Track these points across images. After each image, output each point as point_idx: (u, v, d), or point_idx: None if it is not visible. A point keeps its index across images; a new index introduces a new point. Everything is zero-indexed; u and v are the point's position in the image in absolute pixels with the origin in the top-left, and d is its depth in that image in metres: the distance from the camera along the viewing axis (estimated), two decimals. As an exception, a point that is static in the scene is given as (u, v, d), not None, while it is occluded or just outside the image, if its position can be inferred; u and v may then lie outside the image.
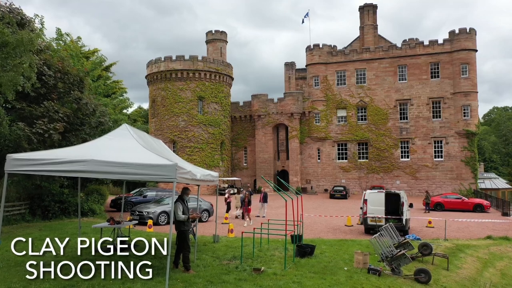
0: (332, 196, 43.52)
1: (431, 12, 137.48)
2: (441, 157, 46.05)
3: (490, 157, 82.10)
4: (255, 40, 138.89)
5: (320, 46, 49.86)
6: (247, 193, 20.66)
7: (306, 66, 51.38)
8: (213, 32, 55.24)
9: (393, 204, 18.60)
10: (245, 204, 21.11)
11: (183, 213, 9.78)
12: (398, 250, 10.30)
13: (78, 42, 24.19)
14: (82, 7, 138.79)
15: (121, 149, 8.50)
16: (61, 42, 23.83)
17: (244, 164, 54.25)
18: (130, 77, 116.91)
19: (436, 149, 46.31)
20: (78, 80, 17.93)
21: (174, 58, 48.33)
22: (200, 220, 22.27)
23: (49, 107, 15.46)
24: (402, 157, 47.52)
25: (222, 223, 21.93)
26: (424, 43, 46.85)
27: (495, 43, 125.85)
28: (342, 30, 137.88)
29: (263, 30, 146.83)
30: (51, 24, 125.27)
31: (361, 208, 18.73)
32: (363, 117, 48.93)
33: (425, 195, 32.49)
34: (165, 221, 20.51)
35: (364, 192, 19.23)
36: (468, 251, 14.64)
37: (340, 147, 49.78)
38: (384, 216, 17.85)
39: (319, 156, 50.55)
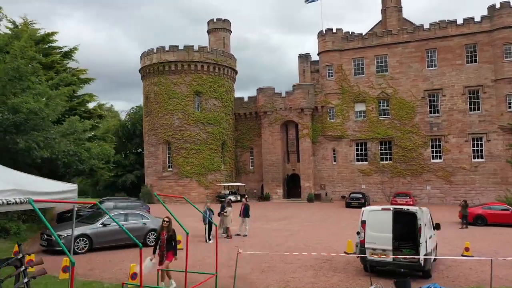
0: (348, 205, 36.76)
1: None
2: (481, 158, 38.32)
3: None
4: (284, 46, 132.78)
5: (334, 30, 43.19)
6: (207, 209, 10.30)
7: (318, 54, 44.78)
8: (215, 20, 49.55)
9: (407, 227, 12.11)
10: (162, 244, 9.64)
11: None
12: None
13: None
14: (119, 19, 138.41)
15: None
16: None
17: (251, 168, 48.13)
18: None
19: (475, 148, 38.62)
20: None
21: (167, 48, 43.00)
22: (145, 244, 16.43)
23: None
24: (433, 158, 40.06)
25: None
26: (457, 22, 39.32)
27: None
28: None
29: (292, 36, 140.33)
30: (90, 35, 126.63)
31: (358, 233, 12.28)
32: (386, 112, 41.82)
33: (461, 205, 25.27)
34: (86, 248, 14.79)
35: (362, 208, 12.72)
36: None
37: (359, 147, 42.84)
38: (391, 248, 11.37)
39: (334, 157, 43.81)
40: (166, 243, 9.44)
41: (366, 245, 11.77)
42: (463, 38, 38.86)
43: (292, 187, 45.70)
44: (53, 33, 27.48)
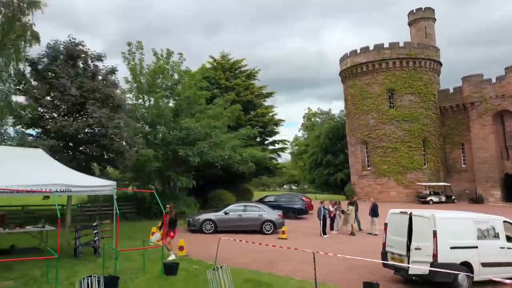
0: None
1: None
2: None
3: None
4: None
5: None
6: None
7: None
8: (415, 11, 46.93)
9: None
10: (164, 224, 12.59)
11: None
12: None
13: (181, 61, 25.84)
14: (381, 21, 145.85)
15: None
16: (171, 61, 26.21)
17: (463, 166, 43.08)
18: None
19: None
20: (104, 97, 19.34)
21: (358, 51, 44.24)
22: (262, 232, 19.67)
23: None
24: None
25: (278, 238, 18.66)
26: None
27: None
28: None
29: None
30: (353, 41, 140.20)
31: (386, 236, 11.95)
32: None
33: None
34: (211, 230, 19.27)
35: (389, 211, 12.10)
36: None
37: None
38: (405, 253, 10.82)
39: None
40: (168, 223, 12.53)
41: (387, 249, 11.52)
42: None
43: (516, 188, 38.44)
44: (240, 60, 34.29)
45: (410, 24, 48.12)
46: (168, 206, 13.15)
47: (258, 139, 32.82)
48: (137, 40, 24.96)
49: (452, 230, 10.54)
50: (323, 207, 20.36)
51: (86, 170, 20.12)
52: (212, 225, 19.41)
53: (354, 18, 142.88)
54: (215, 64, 34.60)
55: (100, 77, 21.13)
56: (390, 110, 42.66)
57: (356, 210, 21.67)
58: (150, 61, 26.11)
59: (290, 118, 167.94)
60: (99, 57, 21.58)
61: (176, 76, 25.67)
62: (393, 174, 42.31)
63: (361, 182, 44.93)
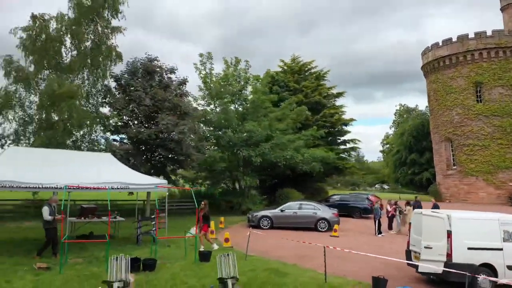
0: None
1: None
2: None
3: None
4: None
5: None
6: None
7: None
8: (508, -5, 42.91)
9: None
10: (200, 220, 13.55)
11: (50, 215, 11.66)
12: None
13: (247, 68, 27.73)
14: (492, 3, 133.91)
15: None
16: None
17: None
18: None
19: None
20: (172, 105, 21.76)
21: (440, 43, 41.86)
22: (316, 229, 20.46)
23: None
24: None
25: (330, 236, 19.32)
26: None
27: None
28: None
29: None
30: (461, 27, 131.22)
31: (415, 236, 12.16)
32: None
33: None
34: (268, 226, 20.60)
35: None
36: None
37: None
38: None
39: None
40: (202, 219, 13.64)
41: (410, 247, 11.81)
42: None
43: None
44: (309, 62, 35.02)
45: (502, 9, 44.09)
46: (202, 202, 14.24)
47: (329, 139, 33.31)
48: (207, 51, 27.40)
49: (471, 231, 10.50)
50: (379, 207, 20.51)
51: (161, 170, 22.98)
52: (269, 221, 20.73)
53: (462, 2, 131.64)
54: (285, 67, 36.00)
55: (172, 88, 23.81)
56: (477, 105, 39.68)
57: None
58: (220, 69, 28.51)
59: (388, 114, 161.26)
60: (172, 70, 24.34)
61: (242, 82, 27.55)
62: (482, 173, 39.33)
63: (446, 182, 42.50)
